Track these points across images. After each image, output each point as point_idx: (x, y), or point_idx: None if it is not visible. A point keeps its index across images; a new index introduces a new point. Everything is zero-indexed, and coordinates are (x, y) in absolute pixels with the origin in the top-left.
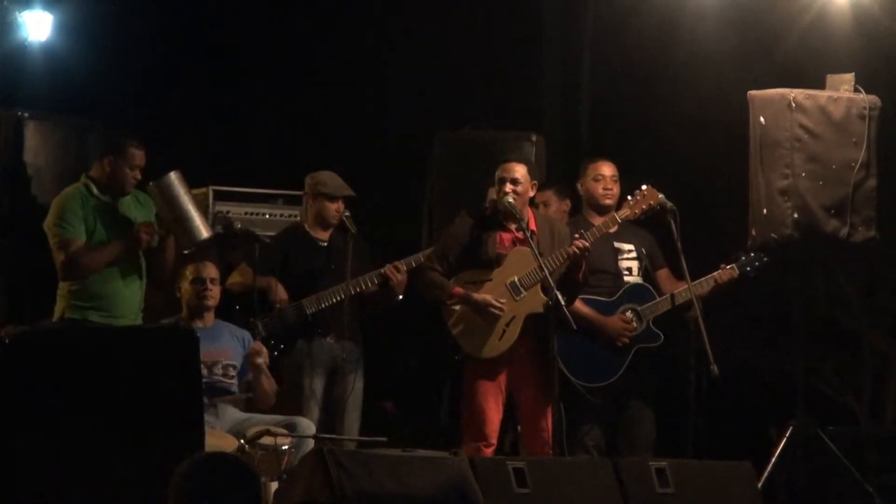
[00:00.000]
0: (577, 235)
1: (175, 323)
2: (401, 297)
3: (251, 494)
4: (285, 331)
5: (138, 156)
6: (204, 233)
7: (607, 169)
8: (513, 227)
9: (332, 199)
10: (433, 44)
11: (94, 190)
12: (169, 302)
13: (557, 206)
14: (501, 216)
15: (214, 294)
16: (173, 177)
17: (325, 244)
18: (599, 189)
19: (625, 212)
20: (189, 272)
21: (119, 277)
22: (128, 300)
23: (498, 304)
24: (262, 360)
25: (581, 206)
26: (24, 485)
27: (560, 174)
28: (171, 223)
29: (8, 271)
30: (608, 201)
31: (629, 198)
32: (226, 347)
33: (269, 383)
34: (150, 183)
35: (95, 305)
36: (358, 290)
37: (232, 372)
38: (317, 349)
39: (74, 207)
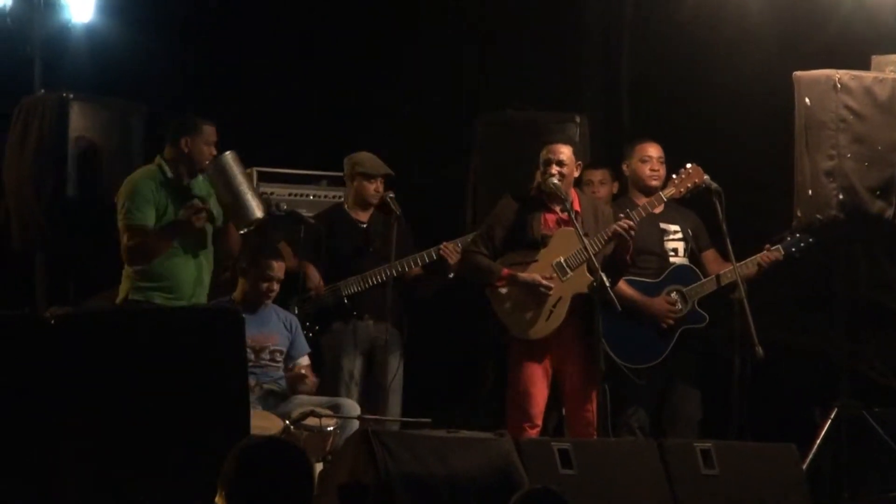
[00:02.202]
0: (622, 215)
1: (222, 303)
2: (451, 275)
3: (304, 479)
4: (321, 312)
5: (212, 131)
6: (258, 213)
7: (654, 150)
8: (557, 208)
9: (370, 178)
10: (475, 25)
11: (168, 172)
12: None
13: (610, 187)
14: (546, 197)
15: (276, 290)
16: (229, 156)
17: (365, 225)
18: (646, 170)
19: (670, 190)
20: (260, 264)
21: (182, 259)
22: (190, 282)
23: (546, 283)
24: (309, 387)
25: (626, 188)
26: (69, 466)
27: (601, 155)
28: (226, 202)
29: (53, 253)
30: (654, 183)
31: (674, 176)
32: (273, 333)
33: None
34: (206, 161)
35: (158, 286)
36: (397, 271)
37: (279, 357)
38: (355, 331)
39: (145, 191)
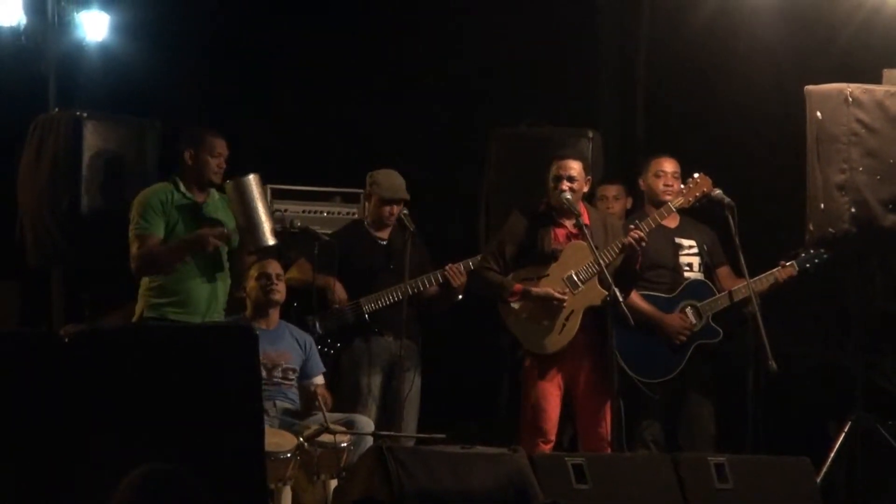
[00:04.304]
0: (631, 227)
1: (235, 321)
2: (461, 296)
3: None
4: (342, 329)
5: (218, 143)
6: (269, 240)
7: (669, 165)
8: (568, 222)
9: (387, 202)
10: (489, 40)
11: (181, 187)
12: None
13: (624, 202)
14: (556, 212)
15: (280, 289)
16: (252, 179)
17: (385, 242)
18: (660, 185)
19: (678, 200)
20: (254, 270)
21: (197, 275)
22: (205, 298)
23: (559, 296)
24: (323, 402)
25: (642, 204)
26: (83, 483)
27: (615, 170)
28: (240, 224)
29: (67, 270)
30: (668, 197)
31: (682, 186)
32: (287, 351)
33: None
34: (228, 181)
35: (173, 302)
36: (417, 289)
37: (291, 375)
38: (374, 348)
39: (155, 203)
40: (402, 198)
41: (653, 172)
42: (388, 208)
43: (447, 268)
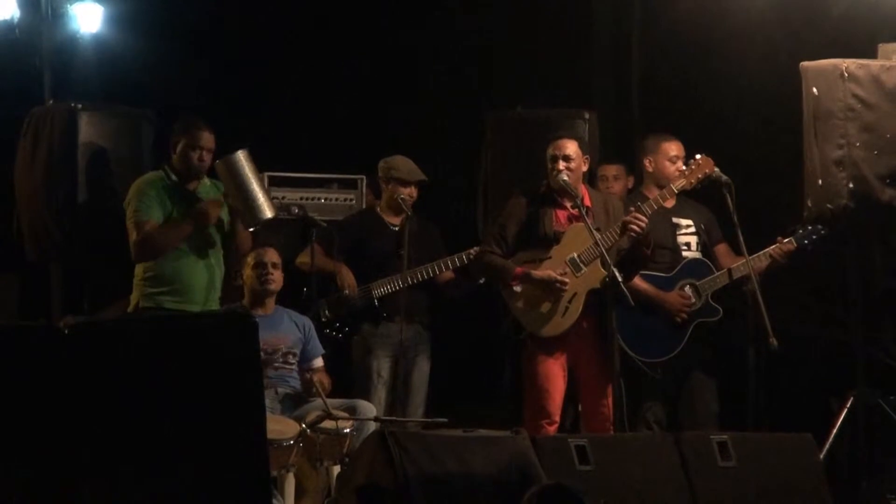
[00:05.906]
0: (632, 209)
1: (233, 308)
2: (482, 281)
3: None
4: (351, 314)
5: (204, 137)
6: (268, 212)
7: (679, 149)
8: (568, 204)
9: (405, 183)
10: (483, 24)
11: (172, 176)
12: (234, 288)
13: (625, 182)
14: (556, 194)
15: (276, 279)
16: (240, 155)
17: (397, 228)
18: (673, 170)
19: (681, 182)
20: (251, 258)
21: (193, 263)
22: (203, 286)
23: (561, 279)
24: (321, 387)
25: (640, 183)
26: (84, 475)
27: (613, 150)
28: (237, 202)
29: (66, 262)
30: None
31: (684, 168)
32: (286, 334)
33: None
34: (217, 161)
35: (169, 290)
36: (428, 275)
37: (292, 359)
38: (384, 332)
39: (150, 191)
40: (420, 179)
41: (665, 156)
42: (407, 190)
43: (473, 250)
